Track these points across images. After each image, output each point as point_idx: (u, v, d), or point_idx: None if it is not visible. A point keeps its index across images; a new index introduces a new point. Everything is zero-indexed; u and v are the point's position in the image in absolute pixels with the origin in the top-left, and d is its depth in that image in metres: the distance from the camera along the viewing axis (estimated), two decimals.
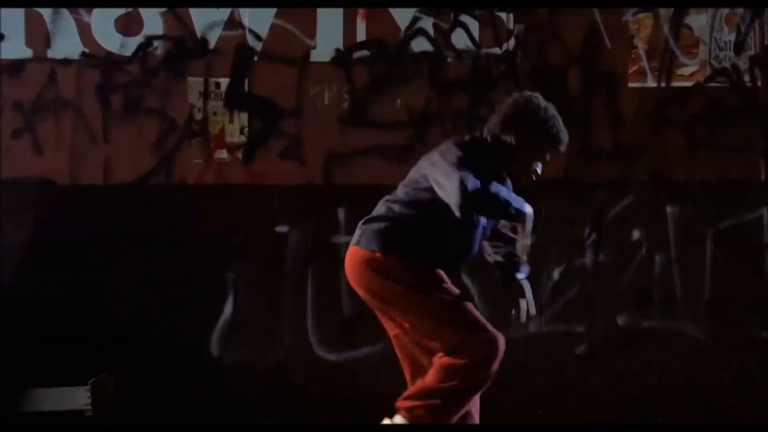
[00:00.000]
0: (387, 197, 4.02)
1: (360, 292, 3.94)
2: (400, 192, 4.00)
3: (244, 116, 5.86)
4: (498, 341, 3.79)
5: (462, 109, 5.87)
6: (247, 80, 5.84)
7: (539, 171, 3.83)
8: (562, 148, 3.82)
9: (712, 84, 5.84)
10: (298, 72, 5.85)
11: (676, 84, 5.85)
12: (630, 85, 5.85)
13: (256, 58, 5.85)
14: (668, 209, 5.84)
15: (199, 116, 5.86)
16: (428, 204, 3.81)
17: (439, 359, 3.81)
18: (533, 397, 5.64)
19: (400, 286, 3.85)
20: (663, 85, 5.86)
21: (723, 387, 5.78)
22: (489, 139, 3.83)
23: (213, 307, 5.83)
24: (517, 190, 3.94)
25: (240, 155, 5.87)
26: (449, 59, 5.83)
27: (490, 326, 3.85)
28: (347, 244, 5.63)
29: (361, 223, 4.01)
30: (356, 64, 5.84)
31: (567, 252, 5.83)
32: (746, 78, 5.82)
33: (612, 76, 5.87)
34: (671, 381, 5.81)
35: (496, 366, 3.80)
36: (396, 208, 3.90)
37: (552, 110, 3.88)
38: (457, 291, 3.89)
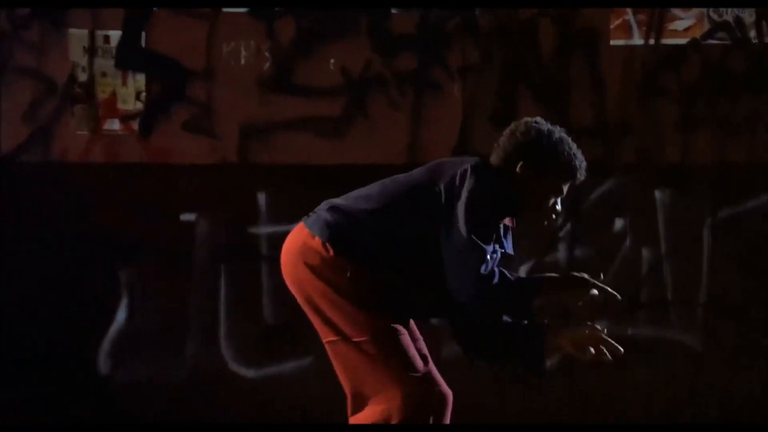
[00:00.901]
0: (362, 191, 3.62)
1: (288, 284, 3.65)
2: (388, 189, 3.59)
3: (141, 78, 5.67)
4: (443, 398, 3.48)
5: (409, 71, 5.69)
6: (144, 34, 5.66)
7: (559, 209, 3.57)
8: (581, 175, 3.58)
9: (711, 41, 5.68)
10: (207, 24, 5.65)
11: (667, 41, 5.68)
12: (612, 42, 5.68)
13: (155, 8, 5.64)
14: (657, 195, 5.71)
15: (83, 77, 5.67)
16: (419, 223, 3.46)
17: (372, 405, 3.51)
18: (497, 417, 5.51)
19: (336, 294, 3.48)
20: (652, 42, 5.68)
21: (721, 404, 5.61)
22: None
23: (102, 313, 5.69)
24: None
25: (136, 127, 5.69)
26: (393, 10, 5.67)
27: (437, 378, 3.52)
28: (269, 236, 5.68)
29: (326, 201, 3.63)
30: (280, 15, 5.66)
31: (536, 246, 5.66)
32: (752, 34, 5.67)
33: (590, 32, 5.70)
34: (661, 399, 5.64)
35: (446, 419, 3.50)
36: (371, 206, 3.51)
37: (559, 133, 3.60)
38: (403, 330, 3.53)
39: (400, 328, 3.50)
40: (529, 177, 3.49)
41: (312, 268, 3.49)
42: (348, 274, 3.45)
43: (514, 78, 5.64)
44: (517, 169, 3.49)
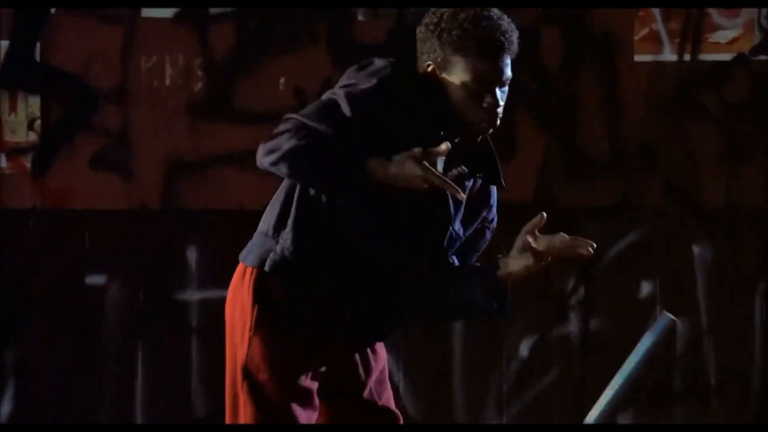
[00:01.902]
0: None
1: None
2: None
3: (35, 102, 5.37)
4: None
5: None
6: (39, 44, 5.34)
7: (499, 101, 3.11)
8: (505, 54, 3.11)
9: (762, 57, 5.40)
10: (122, 32, 5.34)
11: (707, 57, 5.42)
12: (637, 57, 5.42)
13: (53, 9, 5.32)
14: (695, 250, 5.41)
15: None
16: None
17: None
18: None
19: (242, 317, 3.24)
20: (687, 58, 5.42)
21: None
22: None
23: None
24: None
25: (28, 163, 5.37)
26: (360, 17, 5.43)
27: None
28: (200, 303, 5.43)
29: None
30: (216, 21, 5.35)
31: (542, 316, 5.42)
32: None
33: (610, 44, 5.42)
34: None
35: None
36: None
37: (485, 12, 3.16)
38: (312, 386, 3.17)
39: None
40: (450, 62, 3.09)
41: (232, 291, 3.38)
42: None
43: (511, 100, 5.03)
44: (437, 59, 3.12)
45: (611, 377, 4.99)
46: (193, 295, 5.28)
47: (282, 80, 5.31)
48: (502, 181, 3.25)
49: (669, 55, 5.40)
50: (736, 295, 5.43)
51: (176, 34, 5.29)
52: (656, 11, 5.43)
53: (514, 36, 3.09)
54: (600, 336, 5.39)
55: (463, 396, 5.31)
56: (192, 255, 5.29)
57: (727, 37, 5.36)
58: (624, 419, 5.35)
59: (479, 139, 3.13)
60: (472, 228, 3.18)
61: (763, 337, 5.41)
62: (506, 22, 3.10)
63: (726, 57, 5.39)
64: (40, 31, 5.28)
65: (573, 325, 5.44)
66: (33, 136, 5.32)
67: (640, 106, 5.39)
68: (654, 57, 5.40)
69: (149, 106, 5.30)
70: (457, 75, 3.05)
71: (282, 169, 3.04)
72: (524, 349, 5.40)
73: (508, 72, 3.08)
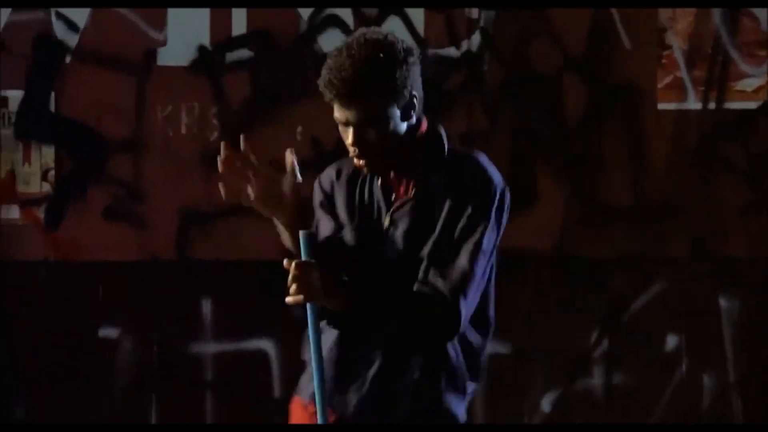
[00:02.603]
0: None
1: None
2: None
3: (49, 152, 5.37)
4: None
5: None
6: (53, 94, 5.35)
7: (347, 139, 3.18)
8: (337, 99, 3.17)
9: None
10: (136, 81, 5.36)
11: (732, 105, 5.45)
12: (660, 105, 5.44)
13: (68, 59, 5.33)
14: (722, 303, 5.43)
15: None
16: None
17: None
18: None
19: None
20: (712, 106, 5.46)
21: None
22: None
23: None
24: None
25: (41, 215, 5.38)
26: None
27: None
28: (216, 357, 5.41)
29: None
30: (231, 70, 5.38)
31: (564, 370, 5.40)
32: None
33: (632, 93, 5.45)
34: None
35: None
36: None
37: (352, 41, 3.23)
38: None
39: None
40: None
41: None
42: None
43: (531, 149, 5.40)
44: None
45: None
46: (207, 348, 5.29)
47: (299, 129, 5.30)
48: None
49: (693, 104, 5.40)
50: (764, 348, 5.31)
51: (191, 83, 5.31)
52: (680, 57, 5.36)
53: (365, 81, 3.10)
54: (624, 390, 5.36)
55: None
56: (206, 307, 5.30)
57: (752, 85, 5.40)
58: None
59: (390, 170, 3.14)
60: (429, 243, 3.12)
61: None
62: (360, 66, 3.11)
63: (752, 105, 5.40)
64: (54, 80, 5.30)
65: (596, 380, 5.42)
66: (46, 187, 5.33)
67: (664, 156, 5.42)
68: (678, 105, 5.42)
69: (163, 156, 5.33)
70: None
71: None
72: (546, 404, 5.37)
73: (355, 121, 3.10)
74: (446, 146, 3.18)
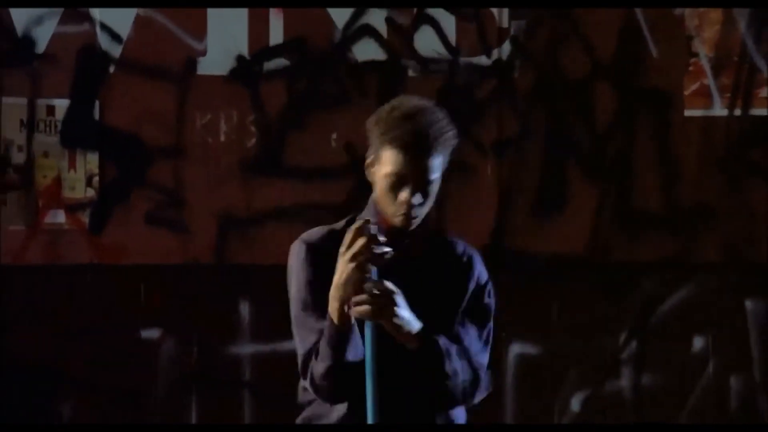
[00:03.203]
0: None
1: None
2: None
3: (94, 159, 5.48)
4: None
5: None
6: (97, 103, 5.45)
7: (411, 198, 3.13)
8: (424, 154, 3.11)
9: None
10: (177, 91, 5.46)
11: (758, 111, 5.53)
12: (687, 112, 5.52)
13: (112, 69, 5.44)
14: (749, 306, 5.48)
15: (19, 158, 5.47)
16: None
17: None
18: None
19: None
20: (738, 113, 5.53)
21: None
22: None
23: None
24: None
25: (86, 219, 5.47)
26: (411, 72, 5.54)
27: None
28: (253, 357, 5.47)
29: None
30: (268, 79, 5.47)
31: (593, 371, 5.47)
32: None
33: (660, 99, 5.53)
34: None
35: None
36: None
37: (404, 104, 3.21)
38: None
39: None
40: (372, 165, 3.21)
41: None
42: None
43: (562, 155, 5.50)
44: (367, 162, 3.22)
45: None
46: (245, 349, 5.35)
47: (334, 136, 5.39)
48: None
49: (719, 110, 5.47)
50: None
51: (230, 92, 5.38)
52: (706, 64, 5.42)
53: (440, 134, 3.11)
54: (652, 391, 5.41)
55: None
56: (244, 309, 5.36)
57: None
58: None
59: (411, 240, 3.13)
60: (451, 316, 3.15)
61: None
62: (435, 124, 3.12)
63: None
64: (98, 90, 5.37)
65: (625, 381, 5.48)
66: (91, 193, 5.40)
67: (692, 161, 5.46)
68: (704, 112, 5.49)
69: (203, 163, 5.41)
70: (382, 166, 3.12)
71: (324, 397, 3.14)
72: (576, 404, 5.40)
73: (433, 173, 3.09)
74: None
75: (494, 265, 3.60)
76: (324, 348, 3.04)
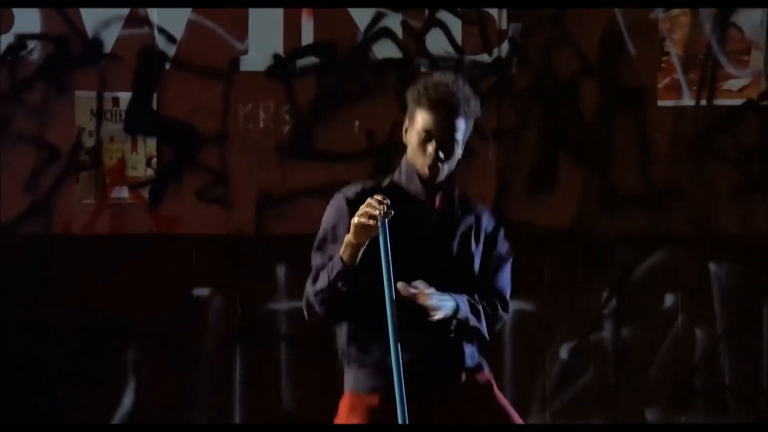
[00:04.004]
0: None
1: None
2: None
3: (152, 143, 5.70)
4: None
5: None
6: (155, 95, 5.69)
7: (438, 152, 3.40)
8: (452, 114, 3.39)
9: None
10: (223, 85, 5.69)
11: (721, 102, 5.71)
12: (660, 103, 5.71)
13: (167, 66, 5.68)
14: (712, 269, 5.70)
15: (89, 143, 5.70)
16: None
17: None
18: None
19: None
20: (704, 103, 5.71)
21: None
22: None
23: (107, 397, 5.64)
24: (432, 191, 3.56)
25: (146, 195, 5.70)
26: (422, 68, 5.66)
27: None
28: (288, 313, 5.69)
29: None
30: (301, 75, 5.70)
31: (579, 325, 5.68)
32: None
33: (637, 93, 5.72)
34: None
35: None
36: None
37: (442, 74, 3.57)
38: None
39: None
40: (408, 126, 3.48)
41: None
42: None
43: (553, 142, 5.68)
44: (405, 125, 3.50)
45: (640, 378, 5.52)
46: (281, 306, 5.62)
47: (356, 124, 5.64)
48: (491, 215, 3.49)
49: (688, 101, 5.67)
50: (747, 307, 5.63)
51: (267, 86, 5.60)
52: (677, 61, 5.61)
53: (465, 101, 3.40)
54: (630, 342, 5.60)
55: (513, 392, 5.51)
56: (281, 272, 5.61)
57: (738, 85, 5.63)
58: (650, 414, 5.60)
59: (440, 189, 3.42)
60: (470, 256, 3.44)
61: None
62: (461, 90, 3.42)
63: (738, 102, 5.63)
64: (156, 84, 5.60)
65: (606, 332, 5.67)
66: (150, 172, 5.63)
67: (664, 146, 5.64)
68: (675, 103, 5.66)
69: (245, 147, 5.63)
70: (414, 126, 3.44)
71: (311, 317, 3.45)
72: (564, 352, 5.63)
73: (457, 132, 3.38)
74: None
75: None
76: (323, 276, 3.41)
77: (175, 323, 5.60)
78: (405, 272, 3.32)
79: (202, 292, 5.63)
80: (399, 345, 3.29)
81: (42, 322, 5.54)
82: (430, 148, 3.41)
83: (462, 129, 3.43)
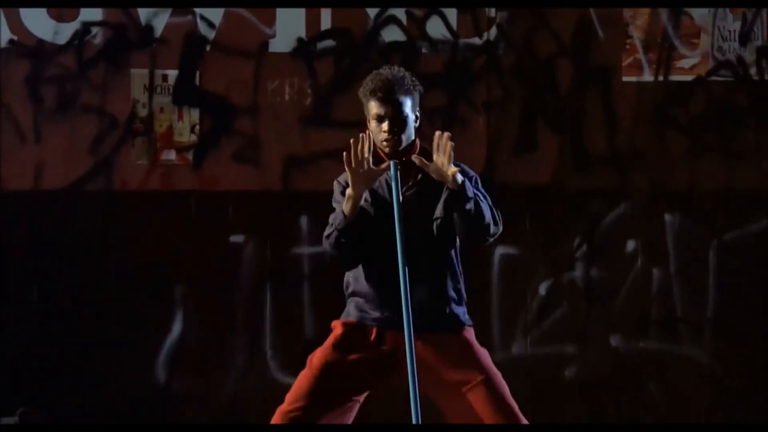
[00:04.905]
0: None
1: None
2: None
3: (195, 113, 5.87)
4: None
5: (438, 106, 5.87)
6: (198, 73, 5.86)
7: (387, 131, 3.64)
8: (385, 98, 3.61)
9: (715, 78, 5.86)
10: (254, 64, 5.87)
11: (675, 78, 5.87)
12: (624, 79, 5.86)
13: (208, 48, 5.87)
14: (667, 219, 5.86)
15: (143, 113, 5.87)
16: None
17: None
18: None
19: None
20: (661, 79, 5.87)
21: (728, 416, 5.78)
22: None
23: (159, 327, 5.83)
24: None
25: (190, 157, 5.88)
26: (423, 50, 5.85)
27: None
28: (310, 256, 5.80)
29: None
30: (320, 55, 5.87)
31: (555, 266, 5.86)
32: (753, 71, 5.84)
33: (604, 70, 5.89)
34: (670, 409, 5.80)
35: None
36: None
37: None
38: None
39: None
40: (366, 116, 3.67)
41: None
42: None
43: (534, 112, 5.90)
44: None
45: (607, 312, 5.67)
46: (305, 251, 5.84)
47: None
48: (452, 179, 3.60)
49: (648, 77, 5.84)
50: (695, 251, 5.84)
51: (292, 65, 5.83)
52: (638, 44, 5.79)
53: (399, 82, 3.59)
54: (598, 280, 5.80)
55: (499, 323, 5.73)
56: (304, 222, 5.85)
57: (689, 64, 5.83)
58: (614, 340, 5.77)
59: (407, 159, 3.61)
60: (439, 205, 3.65)
61: (715, 280, 5.81)
62: (393, 75, 3.61)
63: (689, 78, 5.85)
64: (198, 63, 5.84)
65: (578, 272, 5.85)
66: (193, 138, 5.84)
67: (628, 116, 5.82)
68: (637, 79, 5.84)
69: (273, 117, 5.85)
70: (369, 114, 3.72)
71: (330, 260, 3.64)
72: (542, 289, 5.84)
73: (404, 106, 3.56)
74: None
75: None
76: (329, 227, 3.73)
77: (215, 265, 5.80)
78: (388, 240, 3.62)
79: (237, 239, 5.80)
80: (412, 331, 3.47)
81: (104, 265, 5.75)
82: (384, 126, 3.68)
83: (408, 103, 3.65)
